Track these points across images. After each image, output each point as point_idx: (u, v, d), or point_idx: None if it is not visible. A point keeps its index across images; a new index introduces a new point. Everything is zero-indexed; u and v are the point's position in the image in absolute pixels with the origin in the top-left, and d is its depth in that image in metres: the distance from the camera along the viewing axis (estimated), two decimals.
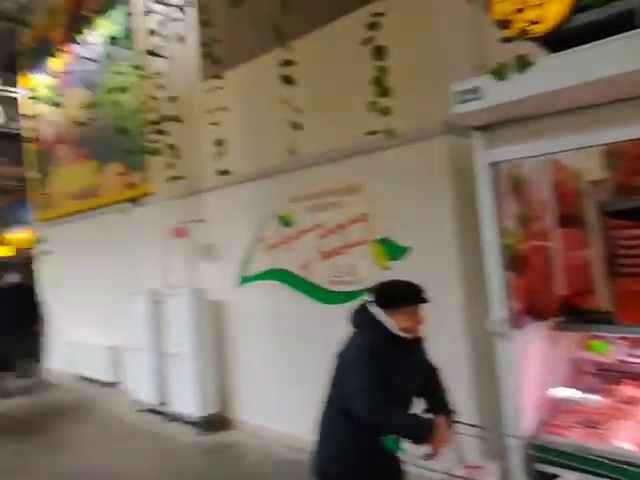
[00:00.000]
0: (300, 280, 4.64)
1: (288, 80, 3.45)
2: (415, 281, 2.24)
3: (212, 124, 4.21)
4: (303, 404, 4.54)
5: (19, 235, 15.08)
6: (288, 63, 3.44)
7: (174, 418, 5.55)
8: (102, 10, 6.57)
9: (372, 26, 3.03)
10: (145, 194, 6.07)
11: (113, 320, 6.86)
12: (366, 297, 2.28)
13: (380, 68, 3.05)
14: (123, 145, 5.00)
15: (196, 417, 5.21)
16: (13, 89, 9.06)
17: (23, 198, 11.07)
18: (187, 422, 5.37)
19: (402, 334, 2.16)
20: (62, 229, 8.24)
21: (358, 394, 2.02)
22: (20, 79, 8.91)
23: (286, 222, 4.74)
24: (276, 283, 4.87)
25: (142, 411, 6.02)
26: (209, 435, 5.16)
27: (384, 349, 2.10)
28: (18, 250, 15.22)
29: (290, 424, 4.72)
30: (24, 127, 9.03)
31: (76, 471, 4.62)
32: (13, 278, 10.06)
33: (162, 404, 5.68)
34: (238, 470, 4.43)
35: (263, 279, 5.02)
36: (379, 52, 3.01)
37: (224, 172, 4.16)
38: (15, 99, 9.10)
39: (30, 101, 8.73)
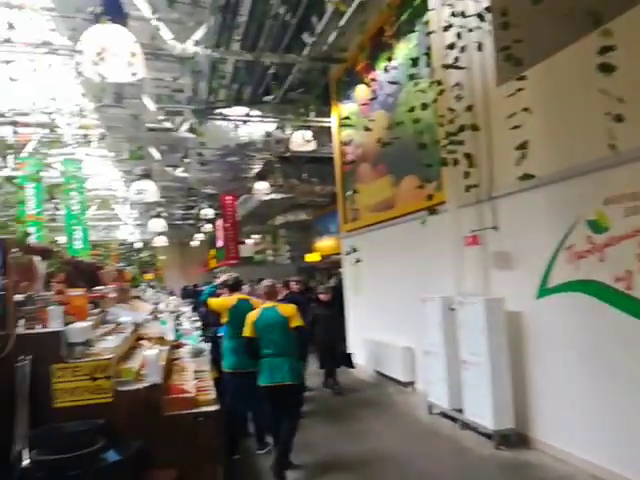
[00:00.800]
0: (616, 294, 4.05)
1: (607, 68, 3.07)
2: None
3: (514, 128, 4.06)
4: (618, 435, 3.99)
5: (324, 244, 17.58)
6: (606, 49, 3.07)
7: (467, 426, 5.54)
8: (401, 34, 7.09)
9: None
10: (438, 203, 6.26)
11: (407, 323, 7.31)
12: None
13: None
14: (422, 159, 5.24)
15: (490, 429, 5.08)
16: (325, 119, 10.56)
17: (332, 212, 12.87)
18: (480, 433, 5.29)
19: None
20: (362, 238, 9.22)
21: None
22: (331, 109, 10.37)
23: (598, 227, 4.22)
24: (583, 296, 4.38)
25: (435, 414, 6.21)
26: (507, 451, 4.96)
27: None
28: (323, 256, 17.76)
29: (601, 454, 4.20)
30: (334, 151, 10.45)
31: (375, 459, 5.05)
32: (332, 282, 11.92)
33: (455, 410, 5.74)
34: None
35: (567, 291, 4.57)
36: None
37: (527, 176, 3.95)
38: (326, 127, 10.60)
39: (339, 128, 10.09)
